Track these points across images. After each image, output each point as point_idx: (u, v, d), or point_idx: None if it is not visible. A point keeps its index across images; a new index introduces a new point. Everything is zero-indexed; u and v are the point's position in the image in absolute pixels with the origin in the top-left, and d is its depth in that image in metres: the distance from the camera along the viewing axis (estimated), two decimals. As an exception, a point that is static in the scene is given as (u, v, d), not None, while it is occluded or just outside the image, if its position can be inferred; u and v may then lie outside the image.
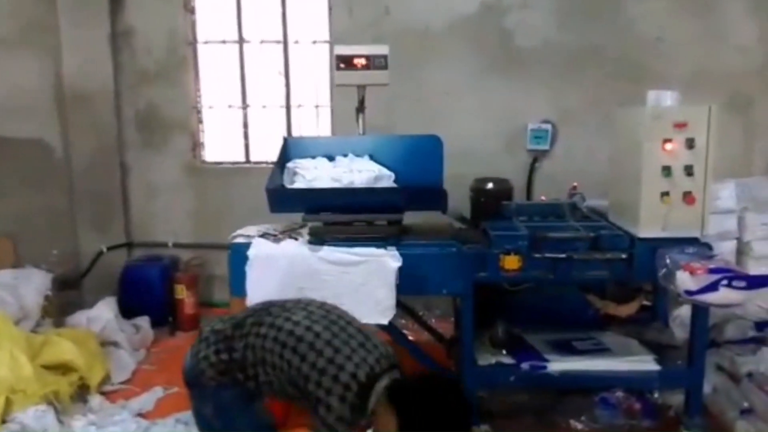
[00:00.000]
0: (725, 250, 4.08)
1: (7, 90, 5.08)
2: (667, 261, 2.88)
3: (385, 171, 3.45)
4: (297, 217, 3.43)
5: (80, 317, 4.47)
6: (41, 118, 5.18)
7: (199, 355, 2.30)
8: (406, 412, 1.96)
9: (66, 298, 4.96)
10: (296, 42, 5.45)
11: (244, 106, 5.59)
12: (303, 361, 2.11)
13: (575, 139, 5.05)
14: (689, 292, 2.68)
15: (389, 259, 3.12)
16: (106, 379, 3.97)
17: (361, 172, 3.41)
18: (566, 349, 3.33)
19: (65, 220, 5.29)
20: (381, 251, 3.14)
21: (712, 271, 2.68)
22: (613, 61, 4.98)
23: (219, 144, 5.70)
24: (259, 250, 3.18)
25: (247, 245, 3.21)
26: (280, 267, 3.13)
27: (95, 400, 3.73)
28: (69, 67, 5.12)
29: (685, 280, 2.70)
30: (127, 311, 4.82)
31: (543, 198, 4.25)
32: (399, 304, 3.32)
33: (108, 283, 5.20)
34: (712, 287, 2.66)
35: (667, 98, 3.12)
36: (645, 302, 3.61)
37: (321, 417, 2.05)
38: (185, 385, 2.42)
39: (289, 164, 3.50)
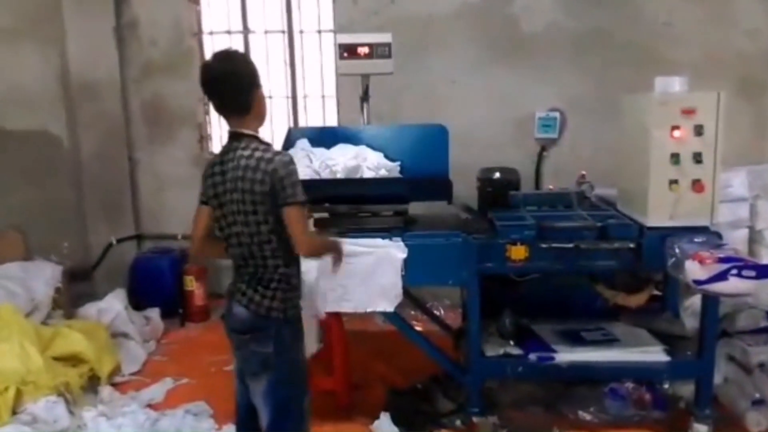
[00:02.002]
0: (737, 238, 4.02)
1: (13, 82, 5.08)
2: (676, 250, 2.84)
3: (388, 162, 3.42)
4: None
5: (90, 309, 4.51)
6: (47, 110, 5.18)
7: None
8: None
9: (77, 289, 5.00)
10: (301, 32, 5.42)
11: (251, 96, 5.57)
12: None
13: (584, 127, 4.99)
14: (698, 282, 2.64)
15: (395, 250, 3.10)
16: (117, 370, 4.01)
17: (366, 161, 3.40)
18: (575, 339, 3.30)
19: (74, 212, 5.31)
20: (386, 242, 3.12)
21: (721, 260, 2.64)
22: (622, 46, 4.90)
23: (225, 135, 5.68)
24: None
25: (252, 237, 3.19)
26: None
27: (105, 391, 3.77)
28: (74, 59, 5.11)
29: (694, 270, 2.66)
30: (137, 303, 4.86)
31: (551, 187, 4.21)
32: (406, 294, 3.32)
33: (118, 275, 5.24)
34: (722, 276, 2.62)
35: (675, 84, 3.07)
36: (655, 292, 3.56)
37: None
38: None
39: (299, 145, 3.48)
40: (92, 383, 3.79)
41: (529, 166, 5.04)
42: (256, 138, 2.36)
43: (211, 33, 5.53)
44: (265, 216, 2.27)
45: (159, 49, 5.39)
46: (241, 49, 5.38)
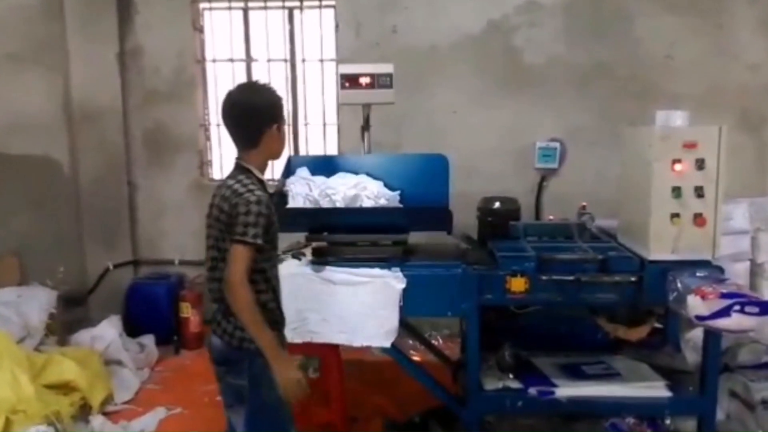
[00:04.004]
0: (738, 271, 4.00)
1: (16, 108, 5.10)
2: (678, 285, 2.80)
3: (388, 191, 3.40)
4: (302, 236, 3.39)
5: (84, 335, 4.46)
6: (49, 135, 5.20)
7: None
8: None
9: (72, 315, 4.96)
10: (303, 60, 5.46)
11: (252, 124, 5.58)
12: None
13: (584, 158, 5.00)
14: (701, 318, 2.60)
15: (393, 280, 3.06)
16: (109, 398, 3.95)
17: (366, 190, 3.38)
18: (575, 373, 3.24)
19: (72, 237, 5.29)
20: (385, 272, 3.09)
21: (723, 296, 2.60)
22: (623, 79, 4.94)
23: (226, 161, 5.69)
24: (261, 270, 3.13)
25: (249, 266, 3.16)
26: (282, 288, 3.07)
27: (97, 420, 3.70)
28: (77, 86, 5.15)
29: (696, 305, 2.62)
30: (132, 329, 4.81)
31: (551, 218, 4.19)
32: (404, 324, 3.27)
33: (114, 301, 5.19)
34: (724, 312, 2.58)
35: (676, 118, 3.06)
36: (656, 324, 3.52)
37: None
38: None
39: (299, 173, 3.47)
40: (84, 412, 3.72)
41: (529, 196, 5.03)
42: (251, 173, 2.36)
43: (214, 60, 5.56)
44: (223, 232, 2.27)
45: (162, 76, 5.41)
46: (243, 76, 5.44)
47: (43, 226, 5.24)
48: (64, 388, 3.71)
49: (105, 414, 3.81)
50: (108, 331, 4.43)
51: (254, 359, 2.28)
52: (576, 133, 5.02)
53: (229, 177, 2.37)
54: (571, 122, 5.02)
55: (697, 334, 3.75)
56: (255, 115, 2.36)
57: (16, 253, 5.12)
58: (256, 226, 2.21)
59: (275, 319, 2.41)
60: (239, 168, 2.38)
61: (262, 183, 2.38)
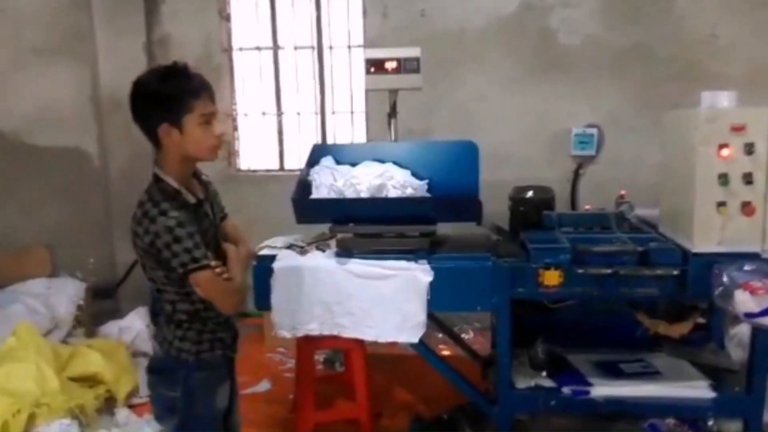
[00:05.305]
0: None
1: (46, 100, 5.13)
2: (725, 279, 2.61)
3: (415, 180, 3.27)
4: (326, 227, 3.29)
5: (112, 327, 4.45)
6: (79, 127, 5.21)
7: None
8: None
9: (100, 307, 4.98)
10: (331, 47, 5.35)
11: (279, 113, 5.51)
12: None
13: (623, 144, 4.78)
14: (750, 315, 2.42)
15: (420, 273, 2.94)
16: (135, 391, 3.91)
17: (392, 179, 3.25)
18: (612, 371, 3.08)
19: (102, 228, 5.30)
20: (412, 264, 2.96)
21: (775, 290, 2.41)
22: (664, 60, 4.69)
23: (254, 151, 5.64)
24: (284, 262, 3.04)
25: (272, 257, 3.08)
26: (306, 280, 2.99)
27: (122, 413, 3.67)
28: (105, 76, 5.14)
29: (745, 301, 2.44)
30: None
31: (588, 207, 4.00)
32: (432, 317, 3.15)
33: (143, 293, 5.16)
34: (776, 309, 2.40)
35: (723, 99, 2.85)
36: (700, 320, 3.32)
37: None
38: None
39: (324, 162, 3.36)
40: (109, 405, 3.70)
41: (564, 184, 4.84)
42: (163, 182, 2.06)
43: (240, 49, 5.49)
44: (153, 267, 2.06)
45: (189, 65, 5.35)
46: (270, 64, 5.34)
47: (73, 217, 5.26)
48: (89, 380, 3.69)
49: (130, 407, 3.78)
50: (135, 323, 4.41)
51: (191, 373, 2.14)
52: (614, 118, 4.80)
53: (146, 189, 2.08)
54: (608, 107, 4.80)
55: (742, 330, 3.55)
56: (141, 110, 2.06)
57: (47, 245, 5.16)
58: (198, 247, 2.00)
59: (219, 337, 2.22)
60: (153, 177, 2.09)
61: (177, 194, 2.07)
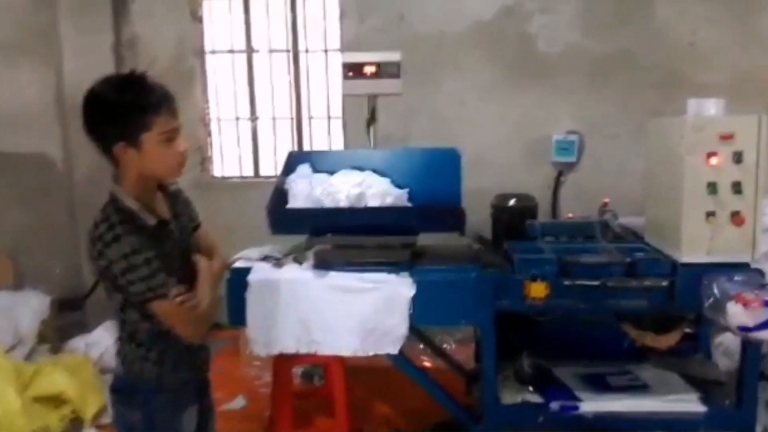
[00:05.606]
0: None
1: (6, 101, 4.88)
2: (715, 290, 2.55)
3: (396, 189, 3.16)
4: (303, 238, 3.16)
5: (79, 342, 4.28)
6: (42, 130, 4.99)
7: None
8: None
9: (67, 319, 4.77)
10: (306, 51, 5.22)
11: (253, 118, 5.36)
12: None
13: (604, 151, 4.72)
14: (745, 328, 2.35)
15: (402, 287, 2.82)
16: (103, 411, 3.72)
17: (372, 188, 3.13)
18: (600, 385, 3.00)
19: (67, 236, 5.09)
20: (393, 277, 2.84)
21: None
22: (644, 67, 4.67)
23: (227, 158, 5.48)
24: (259, 275, 2.90)
25: (246, 270, 2.94)
26: (282, 294, 2.85)
27: (89, 434, 3.50)
28: (70, 77, 4.95)
29: (737, 314, 2.37)
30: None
31: (571, 215, 3.92)
32: (413, 328, 3.03)
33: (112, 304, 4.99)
34: (771, 323, 2.33)
35: (710, 107, 2.79)
36: (687, 329, 3.26)
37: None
38: None
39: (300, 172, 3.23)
40: (76, 426, 3.52)
41: (545, 191, 4.74)
42: (118, 201, 1.92)
43: (213, 52, 5.34)
44: (111, 290, 1.94)
45: (159, 68, 5.15)
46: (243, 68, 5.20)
47: (37, 225, 5.04)
48: (54, 400, 3.50)
49: (99, 427, 3.61)
50: (103, 337, 4.21)
51: (152, 395, 2.01)
52: (595, 125, 4.74)
53: (102, 208, 1.94)
54: (589, 114, 4.75)
55: (728, 338, 3.51)
56: (94, 125, 1.90)
57: (10, 255, 4.93)
58: (154, 274, 1.86)
59: (184, 358, 2.07)
60: (110, 195, 1.95)
61: (135, 216, 1.92)
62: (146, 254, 1.86)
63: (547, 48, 4.79)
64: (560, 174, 4.80)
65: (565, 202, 4.74)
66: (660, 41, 4.65)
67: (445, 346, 4.52)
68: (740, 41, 4.59)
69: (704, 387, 2.99)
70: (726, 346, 3.57)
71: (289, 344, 2.86)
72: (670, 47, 4.64)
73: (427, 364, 4.25)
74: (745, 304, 2.37)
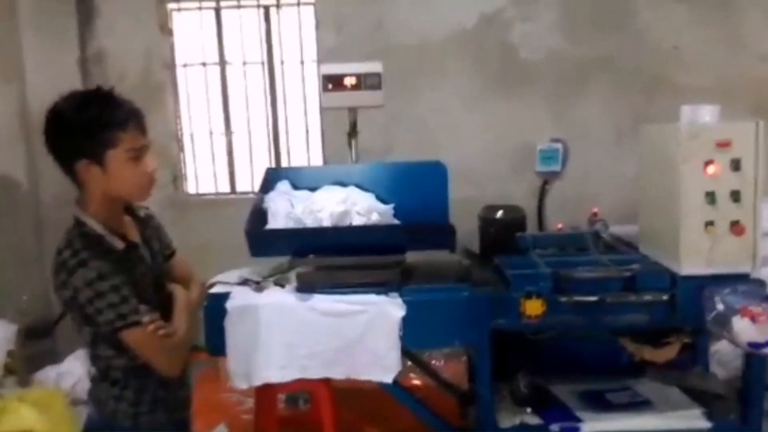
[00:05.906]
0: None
1: (-33, 120, 4.66)
2: (717, 303, 2.45)
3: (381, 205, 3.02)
4: (285, 259, 3.01)
5: (50, 373, 4.04)
6: (5, 150, 4.76)
7: None
8: None
9: (36, 348, 4.52)
10: (282, 62, 5.08)
11: (228, 132, 5.19)
12: None
13: (589, 159, 4.66)
14: (755, 345, 2.25)
15: (391, 308, 2.68)
16: (75, 445, 3.52)
17: (356, 205, 2.99)
18: (599, 403, 2.88)
19: (34, 260, 4.85)
20: (381, 298, 2.70)
21: (776, 317, 2.25)
22: (627, 72, 4.61)
23: (202, 174, 5.30)
24: (239, 301, 2.74)
25: (224, 296, 2.77)
26: (263, 321, 2.69)
27: (60, 472, 3.28)
28: (35, 94, 4.71)
29: (745, 329, 2.27)
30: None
31: (560, 226, 3.82)
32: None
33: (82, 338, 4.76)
34: (781, 338, 2.23)
35: (705, 113, 2.71)
36: (686, 339, 3.16)
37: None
38: None
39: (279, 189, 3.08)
40: (46, 464, 3.30)
41: (530, 201, 4.68)
42: (84, 225, 1.81)
43: (185, 65, 5.17)
44: (79, 322, 1.81)
45: (128, 83, 4.97)
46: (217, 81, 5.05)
47: (1, 249, 4.80)
48: (22, 438, 3.28)
49: (70, 465, 3.39)
50: (75, 367, 4.00)
51: None
52: (578, 132, 4.68)
53: (65, 233, 1.83)
54: (572, 121, 4.68)
55: (724, 347, 3.43)
56: (55, 143, 1.80)
57: (-27, 281, 4.69)
58: (125, 301, 1.74)
59: (162, 397, 1.94)
60: (74, 219, 1.84)
61: (101, 240, 1.81)
62: (114, 280, 1.74)
63: (528, 55, 4.71)
64: (545, 183, 4.73)
65: (550, 210, 4.68)
66: (643, 45, 4.59)
67: (433, 362, 4.38)
68: (724, 44, 4.55)
69: (705, 400, 2.88)
70: (721, 355, 3.49)
71: (271, 374, 2.71)
72: (653, 51, 4.58)
73: (416, 382, 4.11)
74: (753, 318, 2.27)
